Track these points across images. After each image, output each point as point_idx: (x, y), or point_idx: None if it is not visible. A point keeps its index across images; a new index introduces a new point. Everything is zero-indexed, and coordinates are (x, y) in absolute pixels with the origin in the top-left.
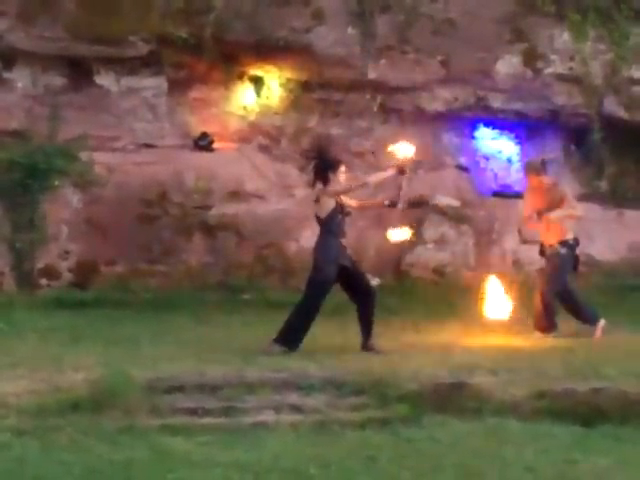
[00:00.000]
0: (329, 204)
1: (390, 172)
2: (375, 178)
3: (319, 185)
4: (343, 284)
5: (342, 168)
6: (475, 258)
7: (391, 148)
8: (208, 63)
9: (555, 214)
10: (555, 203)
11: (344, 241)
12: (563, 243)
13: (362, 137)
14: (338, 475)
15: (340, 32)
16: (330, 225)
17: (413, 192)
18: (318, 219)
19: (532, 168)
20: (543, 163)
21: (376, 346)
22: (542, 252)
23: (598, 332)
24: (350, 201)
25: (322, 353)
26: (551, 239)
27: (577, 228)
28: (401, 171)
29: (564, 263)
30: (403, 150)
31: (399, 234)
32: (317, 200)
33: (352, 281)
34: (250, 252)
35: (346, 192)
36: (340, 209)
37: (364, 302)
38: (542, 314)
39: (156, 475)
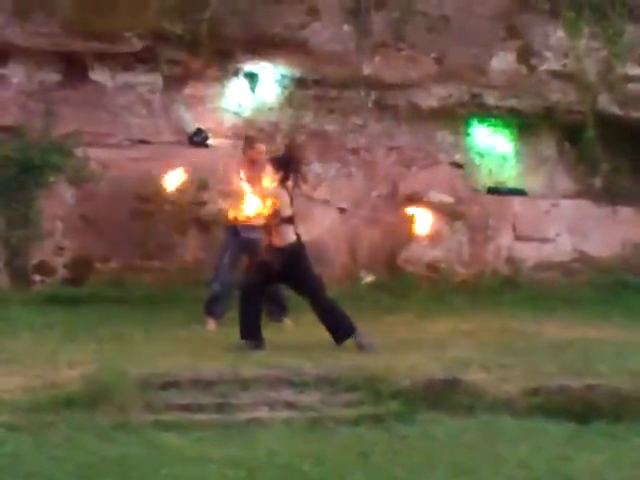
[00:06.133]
0: None
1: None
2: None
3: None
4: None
5: (288, 183)
6: (469, 254)
7: None
8: (203, 60)
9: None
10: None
11: None
12: None
13: (357, 133)
14: (332, 471)
15: (335, 29)
16: None
17: None
18: None
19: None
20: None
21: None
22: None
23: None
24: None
25: (316, 350)
26: None
27: (572, 226)
28: None
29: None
30: None
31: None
32: None
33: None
34: None
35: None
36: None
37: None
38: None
39: (150, 471)
